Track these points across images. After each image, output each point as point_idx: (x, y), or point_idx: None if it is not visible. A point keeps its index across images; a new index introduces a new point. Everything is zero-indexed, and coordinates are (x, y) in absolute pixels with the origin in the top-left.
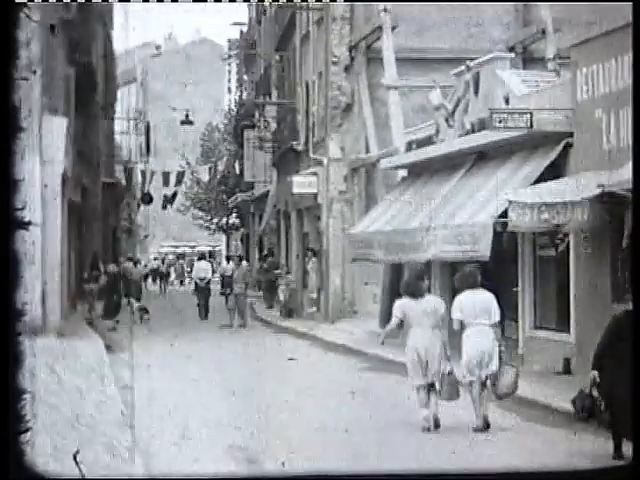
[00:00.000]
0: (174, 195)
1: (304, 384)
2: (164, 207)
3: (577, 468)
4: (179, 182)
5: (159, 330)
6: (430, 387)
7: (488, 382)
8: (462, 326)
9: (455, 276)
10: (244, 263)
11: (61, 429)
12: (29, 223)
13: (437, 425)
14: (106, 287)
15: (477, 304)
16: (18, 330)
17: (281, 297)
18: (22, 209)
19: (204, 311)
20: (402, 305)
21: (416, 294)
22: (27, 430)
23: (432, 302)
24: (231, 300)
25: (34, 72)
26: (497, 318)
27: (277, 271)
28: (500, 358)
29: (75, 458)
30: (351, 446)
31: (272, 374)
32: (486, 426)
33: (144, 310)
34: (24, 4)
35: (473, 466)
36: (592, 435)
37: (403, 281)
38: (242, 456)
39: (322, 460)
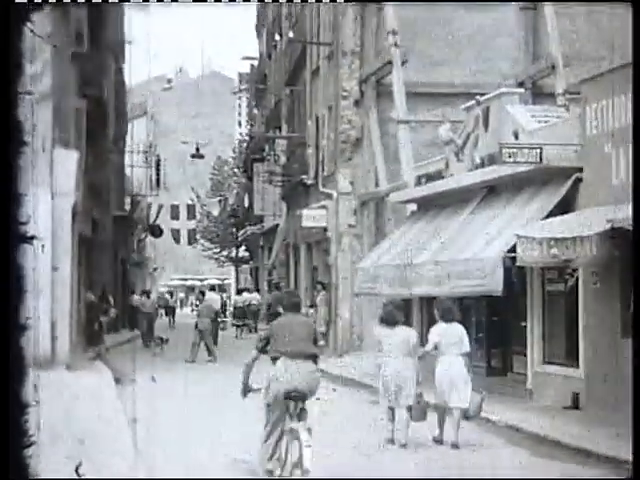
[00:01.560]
0: (194, 231)
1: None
2: (176, 241)
3: None
4: (193, 216)
5: (170, 362)
6: (405, 409)
7: (459, 406)
8: (436, 353)
9: (436, 309)
10: (230, 296)
11: (65, 450)
12: (33, 237)
13: (405, 445)
14: (85, 315)
15: (450, 335)
16: (21, 343)
17: None
18: (26, 223)
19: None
20: (378, 333)
21: (391, 323)
22: (30, 445)
23: (405, 332)
24: (195, 336)
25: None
26: (467, 349)
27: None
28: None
29: (77, 471)
30: (355, 466)
31: None
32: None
33: (161, 339)
34: (27, 15)
35: None
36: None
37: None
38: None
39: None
